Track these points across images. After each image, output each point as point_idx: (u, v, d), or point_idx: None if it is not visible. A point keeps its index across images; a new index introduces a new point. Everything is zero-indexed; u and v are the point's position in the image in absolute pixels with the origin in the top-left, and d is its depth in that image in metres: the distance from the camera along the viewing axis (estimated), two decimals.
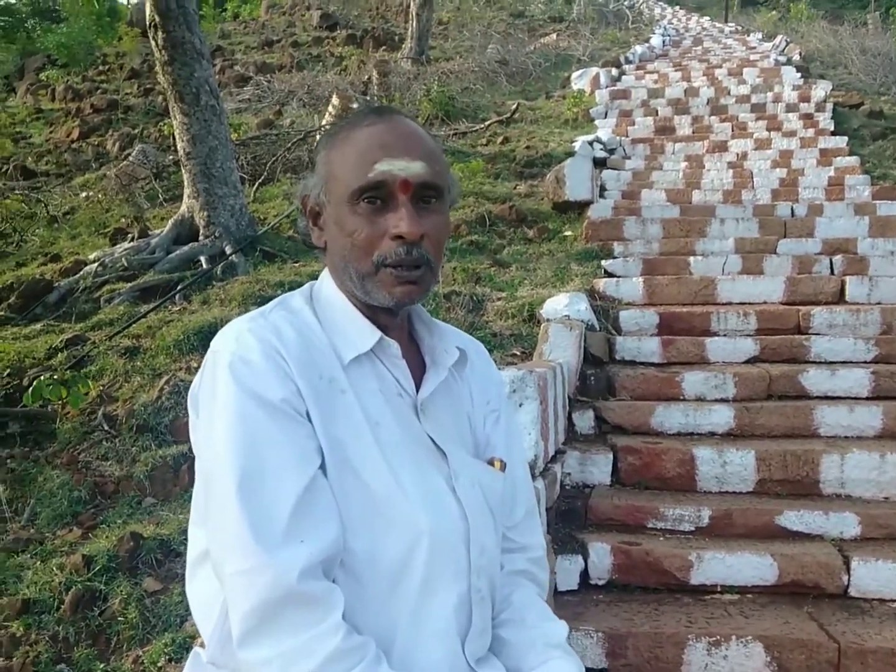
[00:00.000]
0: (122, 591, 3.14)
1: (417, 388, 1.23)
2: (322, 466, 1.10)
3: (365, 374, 1.18)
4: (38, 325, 5.78)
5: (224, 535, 1.06)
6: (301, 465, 1.07)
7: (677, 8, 26.47)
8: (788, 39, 16.59)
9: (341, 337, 1.19)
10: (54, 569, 3.26)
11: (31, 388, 4.29)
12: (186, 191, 6.94)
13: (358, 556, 1.09)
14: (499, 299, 5.36)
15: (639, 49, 15.62)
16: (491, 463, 1.29)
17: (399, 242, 1.14)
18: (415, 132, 1.19)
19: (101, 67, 16.18)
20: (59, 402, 4.44)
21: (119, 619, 3.05)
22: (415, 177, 1.14)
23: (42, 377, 4.32)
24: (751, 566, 3.21)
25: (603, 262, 6.19)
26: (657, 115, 10.89)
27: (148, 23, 6.60)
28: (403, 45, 14.75)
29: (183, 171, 6.99)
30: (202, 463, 1.14)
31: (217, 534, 1.08)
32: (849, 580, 3.18)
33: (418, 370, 1.26)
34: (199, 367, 4.31)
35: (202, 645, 1.22)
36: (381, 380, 1.20)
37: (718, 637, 2.84)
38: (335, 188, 1.17)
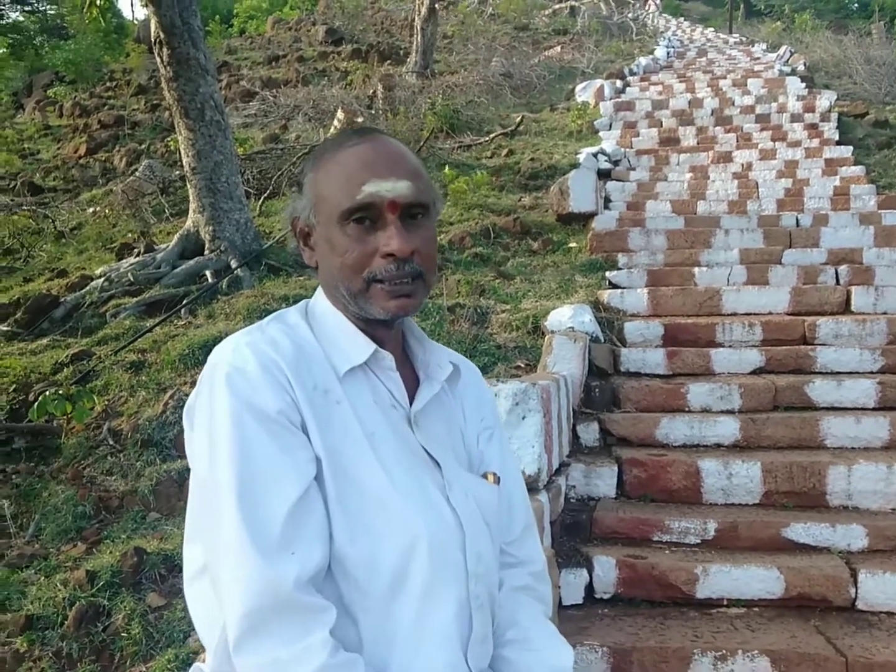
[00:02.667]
0: (125, 607, 3.14)
1: (411, 401, 1.25)
2: (318, 477, 1.11)
3: (360, 386, 1.21)
4: (45, 341, 5.81)
5: (220, 542, 1.07)
6: (295, 476, 1.09)
7: (682, 19, 26.55)
8: (793, 50, 16.61)
9: (336, 350, 1.21)
10: (58, 584, 3.26)
11: (36, 404, 4.30)
12: (192, 205, 6.97)
13: (358, 562, 1.11)
14: (503, 311, 5.35)
15: (643, 61, 15.65)
16: (485, 477, 1.31)
17: (390, 260, 1.16)
18: (398, 151, 1.21)
19: (108, 84, 16.31)
20: (65, 417, 4.45)
21: (122, 634, 3.04)
22: (402, 197, 1.16)
23: (47, 392, 4.34)
24: (757, 579, 3.19)
25: (607, 274, 6.19)
26: (662, 126, 10.90)
27: (153, 39, 6.64)
28: (408, 59, 14.81)
29: (188, 185, 7.03)
30: (198, 474, 1.16)
31: (213, 542, 1.09)
32: (856, 593, 3.15)
33: (412, 384, 1.28)
34: None
35: (204, 660, 1.22)
36: (375, 391, 1.22)
37: (724, 651, 2.81)
38: (324, 209, 1.19)
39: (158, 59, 6.69)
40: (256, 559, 1.04)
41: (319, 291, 1.28)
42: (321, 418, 1.13)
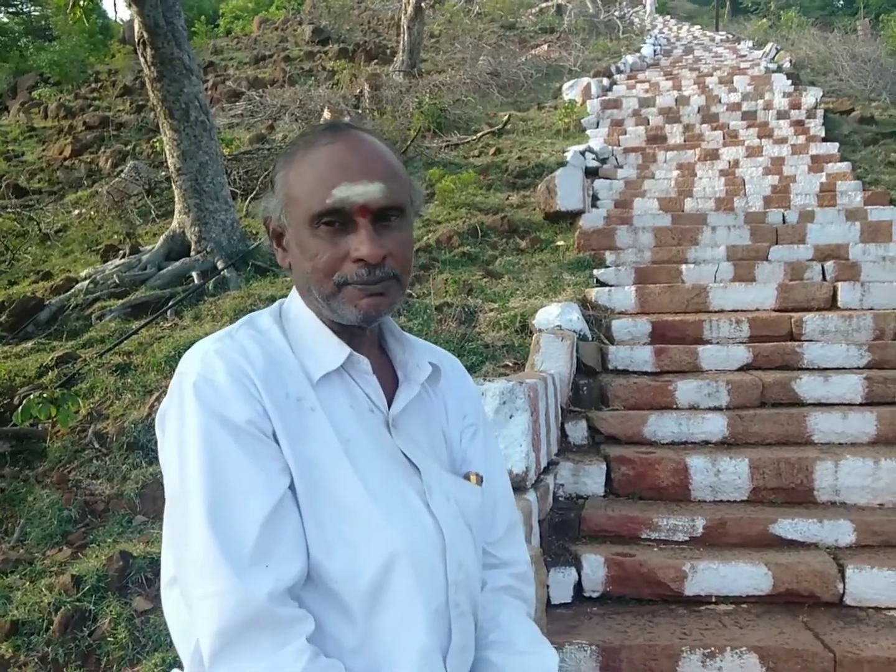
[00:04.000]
0: (111, 611, 3.11)
1: (390, 403, 1.22)
2: (291, 487, 1.09)
3: (335, 392, 1.17)
4: (30, 344, 5.76)
5: (191, 557, 1.05)
6: (267, 488, 1.07)
7: (668, 17, 26.61)
8: (779, 47, 16.67)
9: (310, 355, 1.18)
10: (43, 589, 3.23)
11: (20, 407, 4.27)
12: (177, 206, 6.94)
13: (336, 576, 1.08)
14: (491, 310, 5.34)
15: (630, 59, 15.67)
16: (467, 478, 1.27)
17: (361, 265, 1.13)
18: (373, 151, 1.17)
19: (93, 85, 16.22)
20: (49, 420, 4.41)
21: (109, 639, 3.02)
22: (373, 201, 1.12)
23: (32, 396, 4.30)
24: (745, 576, 3.19)
25: (595, 272, 6.20)
26: (648, 124, 10.91)
27: (137, 39, 6.61)
28: (395, 59, 14.78)
29: (174, 186, 6.99)
30: (169, 483, 1.13)
31: (183, 556, 1.07)
32: (844, 588, 3.16)
33: (391, 385, 1.25)
34: None
35: (181, 666, 1.20)
36: (351, 396, 1.19)
37: (713, 648, 2.82)
38: (294, 211, 1.16)
39: (142, 60, 6.65)
40: (228, 574, 1.01)
41: (294, 292, 1.25)
42: (293, 428, 1.11)
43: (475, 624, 1.24)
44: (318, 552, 1.08)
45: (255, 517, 1.04)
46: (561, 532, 3.56)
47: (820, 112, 10.57)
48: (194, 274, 6.51)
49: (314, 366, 1.17)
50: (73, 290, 6.54)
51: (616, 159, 9.67)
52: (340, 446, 1.13)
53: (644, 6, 25.41)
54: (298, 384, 1.14)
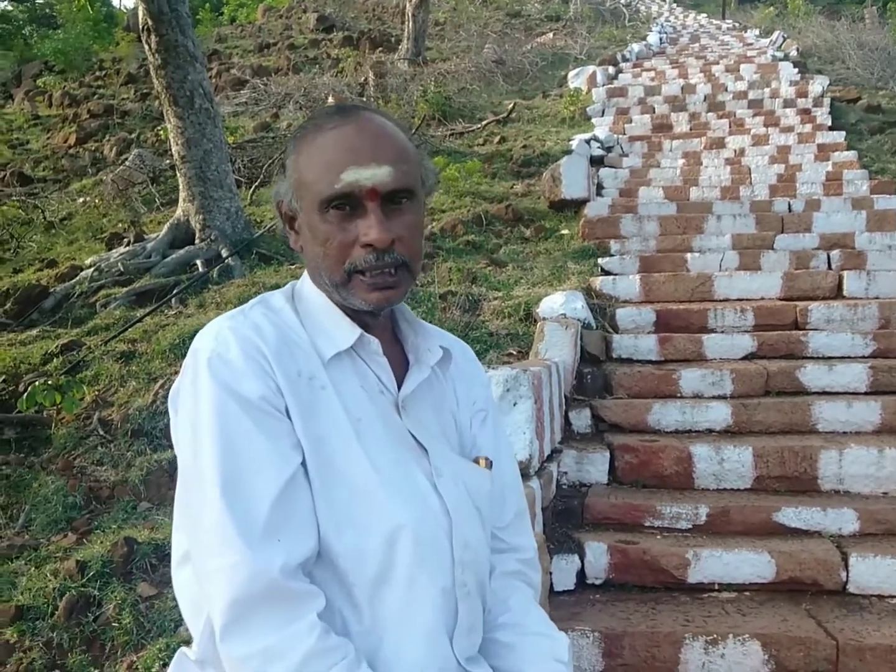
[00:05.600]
0: (116, 597, 3.12)
1: (400, 385, 1.23)
2: (303, 464, 1.10)
3: (346, 372, 1.19)
4: (34, 331, 5.77)
5: (204, 531, 1.06)
6: (279, 463, 1.08)
7: (675, 5, 26.42)
8: (786, 35, 16.56)
9: (322, 335, 1.19)
10: (48, 575, 3.24)
11: (25, 394, 4.28)
12: (182, 194, 6.93)
13: (343, 554, 1.09)
14: (495, 299, 5.33)
15: (636, 47, 15.58)
16: (476, 462, 1.28)
17: (369, 250, 1.13)
18: (381, 132, 1.16)
19: (97, 73, 16.18)
20: (54, 407, 4.43)
21: (113, 624, 3.03)
22: (382, 185, 1.12)
23: (37, 383, 4.31)
24: (748, 564, 3.19)
25: (600, 260, 6.18)
26: (654, 112, 10.87)
27: (141, 27, 6.59)
28: (400, 47, 14.73)
29: (178, 174, 6.98)
30: (182, 462, 1.14)
31: (197, 531, 1.08)
32: (847, 577, 3.16)
33: (401, 368, 1.26)
34: None
35: (190, 644, 1.21)
36: (362, 377, 1.20)
37: (716, 636, 2.82)
38: (305, 195, 1.16)
39: (146, 47, 6.63)
40: (242, 547, 1.02)
41: (307, 273, 1.26)
42: (305, 406, 1.12)
43: (483, 607, 1.25)
44: (328, 529, 1.09)
45: (267, 492, 1.06)
46: (564, 519, 3.57)
47: (826, 100, 10.52)
48: (198, 262, 6.51)
49: (325, 345, 1.18)
50: (77, 278, 6.55)
51: (621, 148, 9.63)
52: (351, 426, 1.14)
53: None
54: (310, 363, 1.16)
